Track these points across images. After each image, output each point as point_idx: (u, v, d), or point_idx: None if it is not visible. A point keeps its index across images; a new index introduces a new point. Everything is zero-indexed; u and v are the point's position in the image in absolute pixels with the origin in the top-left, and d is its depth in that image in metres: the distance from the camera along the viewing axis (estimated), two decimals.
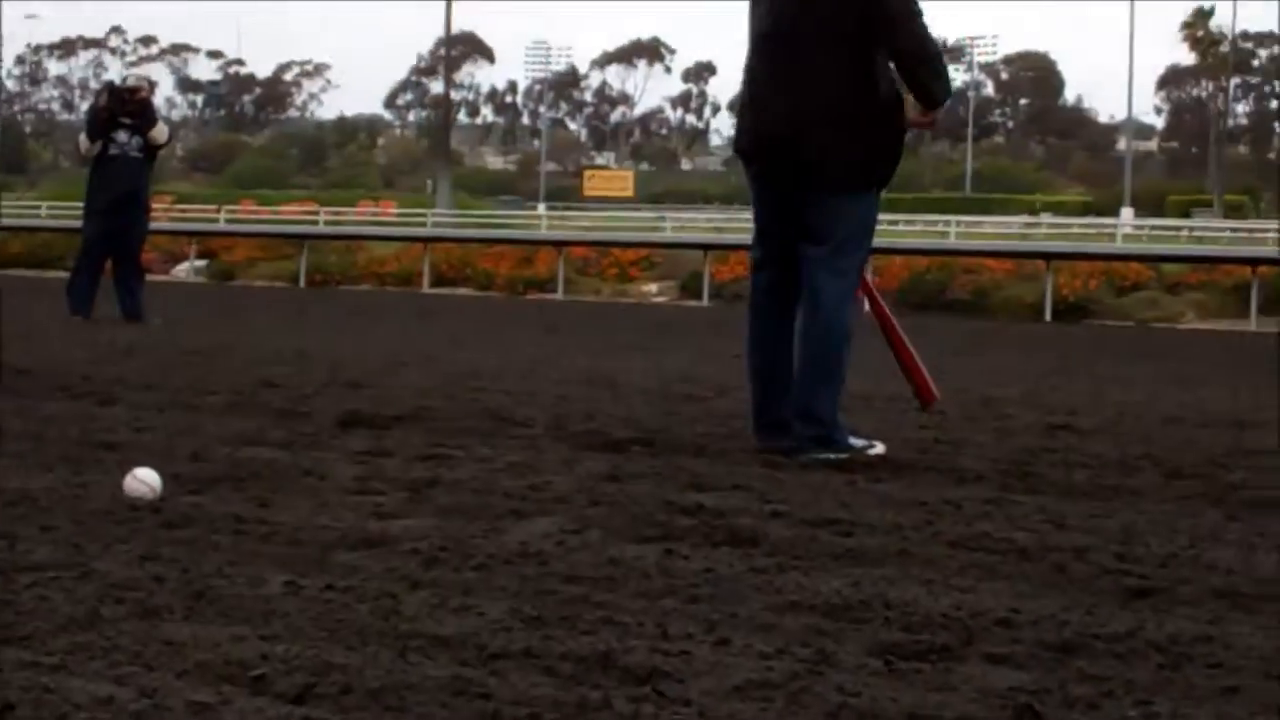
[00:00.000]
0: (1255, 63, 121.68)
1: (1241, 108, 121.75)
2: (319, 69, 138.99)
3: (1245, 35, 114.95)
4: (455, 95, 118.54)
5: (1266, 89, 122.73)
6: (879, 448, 5.50)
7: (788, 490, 4.65)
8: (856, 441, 5.49)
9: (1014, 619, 3.05)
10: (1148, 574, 3.51)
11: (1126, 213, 66.00)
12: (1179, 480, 5.01)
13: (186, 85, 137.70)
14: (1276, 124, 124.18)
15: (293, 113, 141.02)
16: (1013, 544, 3.83)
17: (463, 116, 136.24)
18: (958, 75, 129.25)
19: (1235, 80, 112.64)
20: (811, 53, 5.39)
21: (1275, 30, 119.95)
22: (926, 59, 5.46)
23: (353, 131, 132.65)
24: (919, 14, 5.36)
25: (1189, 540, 3.94)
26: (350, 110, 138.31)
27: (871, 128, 5.41)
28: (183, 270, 25.19)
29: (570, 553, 3.65)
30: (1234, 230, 47.91)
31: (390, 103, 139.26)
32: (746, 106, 5.71)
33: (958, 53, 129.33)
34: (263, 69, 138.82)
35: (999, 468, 5.20)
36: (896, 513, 4.27)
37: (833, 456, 5.33)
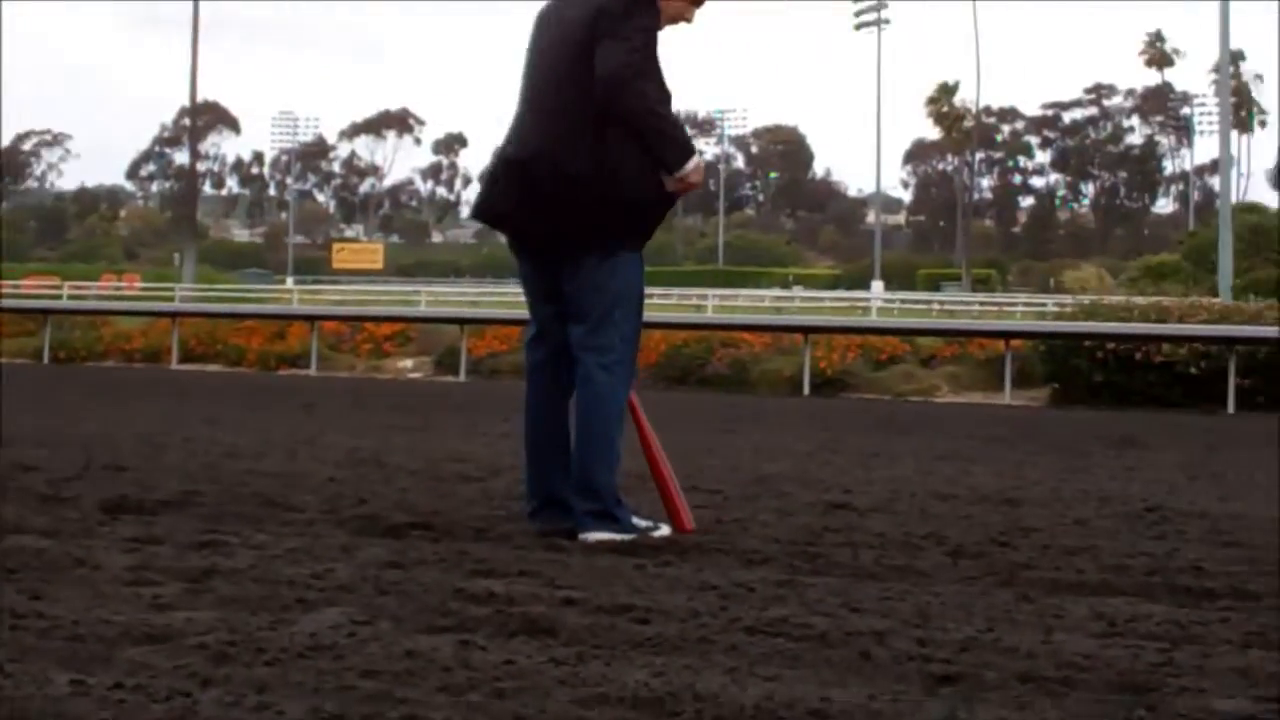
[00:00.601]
0: (998, 137, 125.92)
1: (986, 182, 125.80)
2: (58, 138, 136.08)
3: (989, 110, 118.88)
4: (200, 165, 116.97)
5: (1010, 163, 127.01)
6: (664, 529, 5.47)
7: (576, 575, 4.57)
8: (640, 522, 5.44)
9: (826, 709, 3.01)
10: (950, 658, 3.50)
11: (877, 285, 67.63)
12: (964, 560, 5.04)
13: None
14: (1020, 198, 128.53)
15: (31, 183, 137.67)
16: (811, 629, 3.80)
17: (208, 187, 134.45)
18: (708, 148, 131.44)
19: (980, 155, 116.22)
20: (553, 114, 5.38)
21: (1017, 106, 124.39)
22: (647, 123, 5.30)
23: (94, 202, 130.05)
24: (644, 75, 5.27)
25: (985, 623, 3.94)
26: (91, 180, 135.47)
27: (610, 187, 5.31)
28: None
29: (364, 645, 3.53)
30: (982, 303, 49.27)
31: (133, 173, 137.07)
32: (497, 168, 5.62)
33: (709, 125, 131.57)
34: None
35: (785, 549, 5.19)
36: (690, 597, 4.22)
37: (617, 536, 5.27)
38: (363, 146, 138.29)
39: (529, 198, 5.40)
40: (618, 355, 5.48)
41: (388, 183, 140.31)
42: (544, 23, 5.57)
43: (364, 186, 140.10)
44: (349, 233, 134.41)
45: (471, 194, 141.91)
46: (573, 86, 5.30)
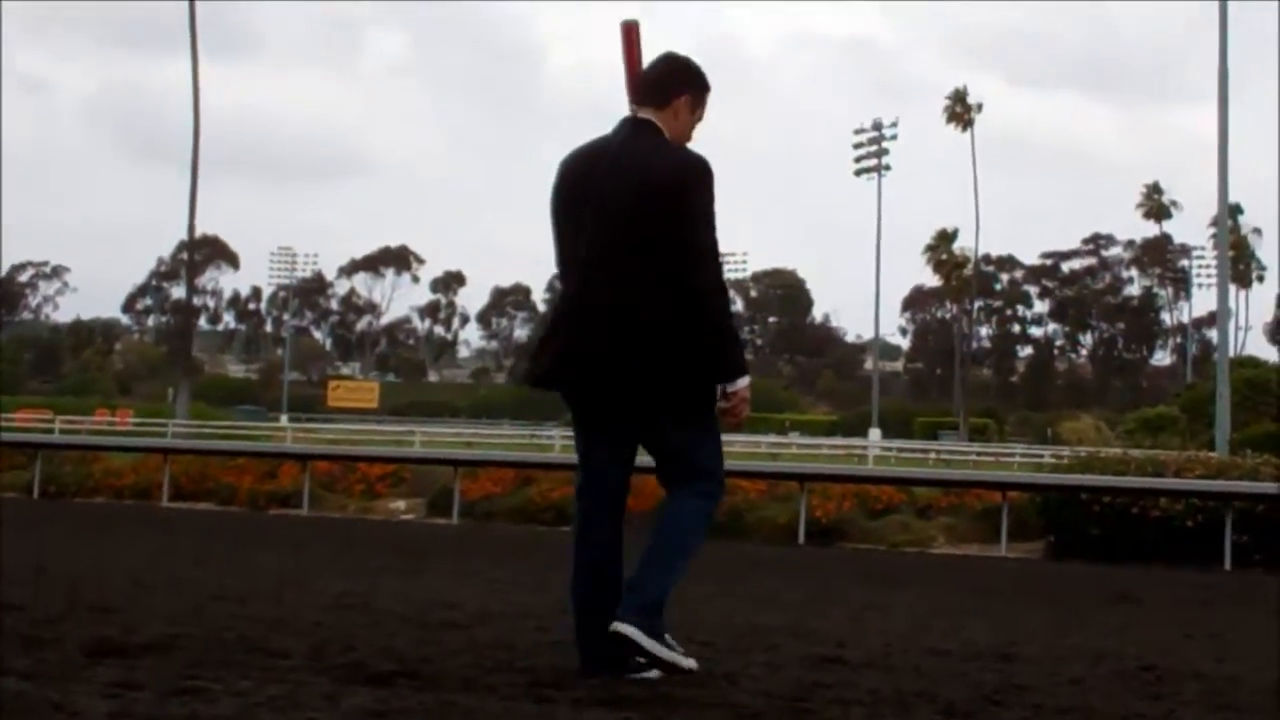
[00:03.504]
0: (997, 286, 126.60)
1: (984, 330, 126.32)
2: (56, 270, 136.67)
3: (988, 259, 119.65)
4: (197, 300, 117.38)
5: (1008, 312, 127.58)
6: (691, 662, 5.48)
7: None
8: (672, 651, 5.40)
9: None
10: None
11: (874, 433, 67.61)
12: None
13: None
14: (1018, 347, 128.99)
15: (26, 315, 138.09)
16: None
17: (204, 322, 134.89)
18: None
19: (978, 303, 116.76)
20: (632, 278, 5.33)
21: (1016, 255, 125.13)
22: (723, 335, 5.37)
23: (89, 335, 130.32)
24: (724, 284, 5.40)
25: None
26: (87, 313, 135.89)
27: (694, 350, 5.32)
28: None
29: None
30: (979, 453, 49.23)
31: (129, 307, 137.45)
32: (559, 332, 5.53)
33: None
34: None
35: (775, 704, 5.10)
36: None
37: (647, 645, 5.27)
38: (361, 283, 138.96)
39: (603, 367, 5.38)
40: (716, 484, 5.57)
41: (385, 320, 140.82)
42: (589, 174, 5.49)
43: (361, 324, 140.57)
44: (345, 370, 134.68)
45: (469, 334, 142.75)
46: (643, 254, 5.31)
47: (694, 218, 5.30)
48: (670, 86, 5.55)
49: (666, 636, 5.41)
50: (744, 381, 5.43)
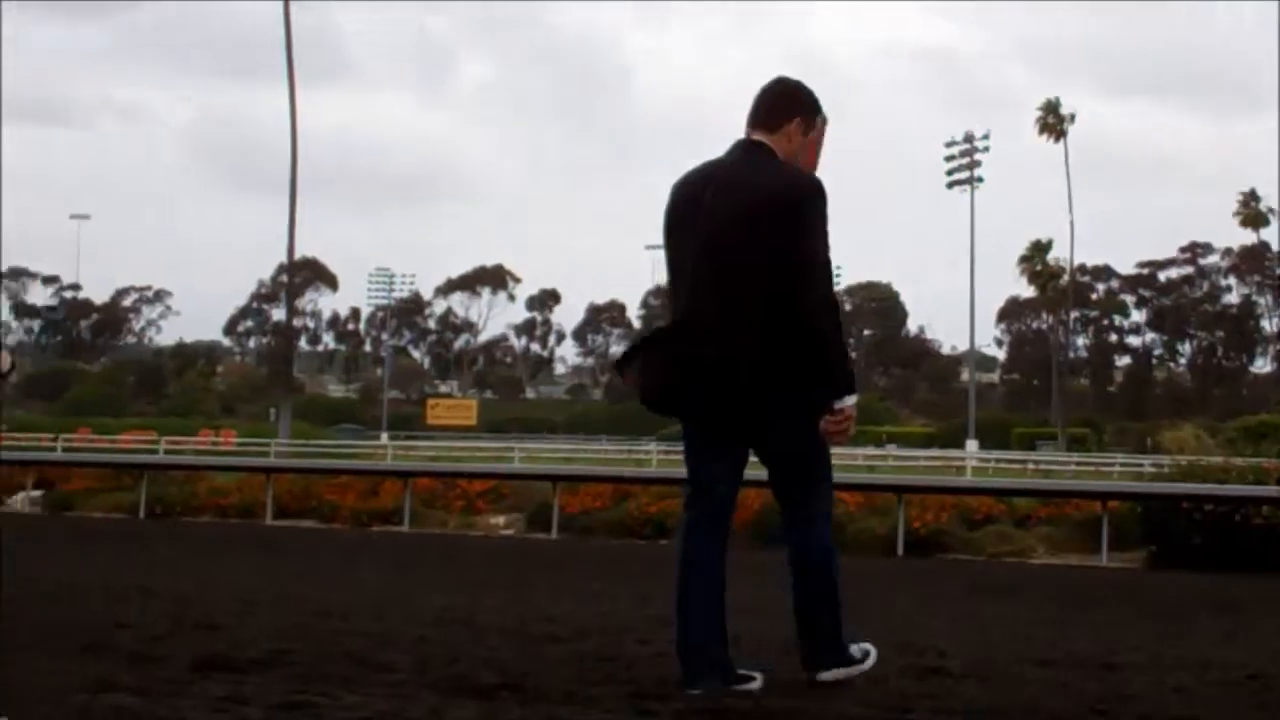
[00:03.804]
0: (1094, 296, 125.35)
1: (1081, 340, 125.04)
2: (159, 295, 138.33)
3: (1083, 269, 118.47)
4: (297, 322, 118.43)
5: (1105, 322, 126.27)
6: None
7: None
8: (866, 657, 5.78)
9: None
10: None
11: (971, 444, 67.08)
12: None
13: (22, 310, 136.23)
14: (1115, 357, 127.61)
15: (130, 339, 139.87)
16: None
17: (304, 343, 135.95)
18: None
19: (1074, 313, 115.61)
20: (742, 294, 5.38)
21: (1112, 265, 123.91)
22: (834, 350, 5.45)
23: (192, 358, 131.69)
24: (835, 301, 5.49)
25: None
26: (189, 336, 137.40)
27: (804, 364, 5.39)
28: (18, 501, 24.56)
29: None
30: (1079, 463, 48.75)
31: (230, 329, 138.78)
32: (670, 347, 5.57)
33: None
34: (100, 294, 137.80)
35: (876, 714, 5.11)
36: None
37: (853, 671, 5.70)
38: (458, 303, 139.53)
39: (714, 380, 5.44)
40: (828, 499, 5.79)
41: (482, 339, 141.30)
42: (700, 194, 5.54)
43: (459, 342, 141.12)
44: (443, 389, 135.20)
45: (565, 350, 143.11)
46: (753, 270, 5.37)
47: (805, 234, 5.36)
48: (781, 110, 5.62)
49: (851, 647, 5.70)
50: (852, 400, 5.50)
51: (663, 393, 5.58)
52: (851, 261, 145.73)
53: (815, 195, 5.44)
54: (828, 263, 5.42)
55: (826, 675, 5.59)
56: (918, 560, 17.38)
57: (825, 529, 5.69)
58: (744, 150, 5.58)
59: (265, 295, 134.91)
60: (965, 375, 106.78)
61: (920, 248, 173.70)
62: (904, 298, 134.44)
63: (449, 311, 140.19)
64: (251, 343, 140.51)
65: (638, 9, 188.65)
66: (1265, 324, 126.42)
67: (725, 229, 5.40)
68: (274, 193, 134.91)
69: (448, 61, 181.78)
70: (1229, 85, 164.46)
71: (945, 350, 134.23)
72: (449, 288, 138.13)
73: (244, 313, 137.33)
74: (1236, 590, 13.08)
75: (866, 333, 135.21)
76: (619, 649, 6.93)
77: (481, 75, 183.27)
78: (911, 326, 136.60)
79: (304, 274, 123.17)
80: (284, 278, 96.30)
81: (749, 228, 5.36)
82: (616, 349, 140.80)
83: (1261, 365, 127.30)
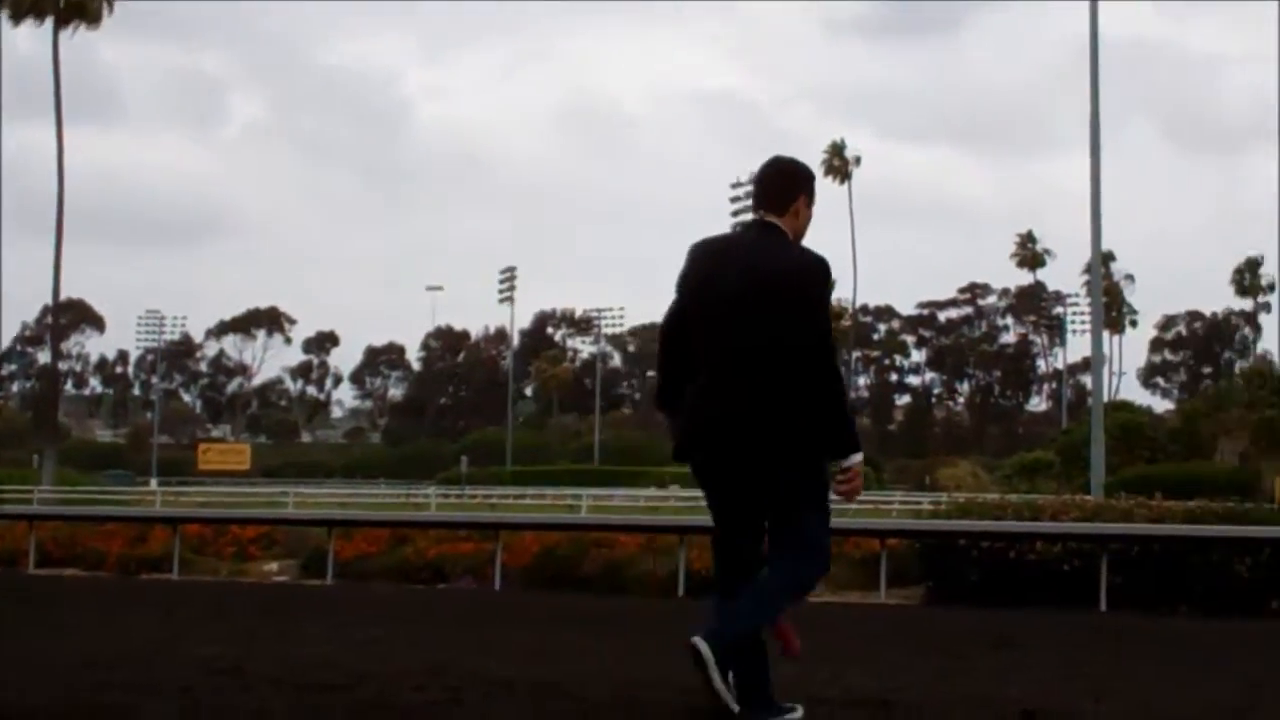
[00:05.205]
0: (875, 336, 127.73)
1: (862, 380, 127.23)
2: None
3: (865, 309, 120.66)
4: (62, 365, 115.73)
5: (886, 361, 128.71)
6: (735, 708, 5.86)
7: None
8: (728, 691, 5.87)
9: None
10: None
11: None
12: None
13: None
14: (896, 396, 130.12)
15: None
16: None
17: (70, 387, 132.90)
18: (585, 347, 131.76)
19: (856, 353, 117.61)
20: (759, 362, 5.87)
21: (893, 305, 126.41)
22: (838, 411, 5.92)
23: None
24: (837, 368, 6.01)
25: None
26: None
27: (813, 427, 5.87)
28: None
29: None
30: (859, 501, 49.28)
31: None
32: (695, 408, 6.04)
33: (585, 324, 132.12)
34: None
35: None
36: None
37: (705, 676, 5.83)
38: (231, 345, 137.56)
39: (733, 439, 5.91)
40: (824, 555, 6.10)
41: (256, 382, 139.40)
42: (721, 268, 6.04)
43: (232, 385, 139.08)
44: (215, 433, 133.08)
45: (342, 394, 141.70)
46: (770, 340, 5.86)
47: (815, 310, 5.95)
48: (787, 193, 6.17)
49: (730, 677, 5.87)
50: (858, 457, 5.96)
51: (689, 441, 6.08)
52: (636, 303, 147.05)
53: (824, 277, 6.03)
54: (830, 334, 6.02)
55: (700, 644, 5.82)
56: (698, 601, 17.33)
57: (795, 569, 6.01)
58: (759, 231, 6.12)
59: (30, 338, 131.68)
60: None
61: None
62: None
63: (221, 354, 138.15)
64: (15, 386, 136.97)
65: (415, 47, 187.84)
66: (1041, 363, 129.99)
67: (745, 303, 5.91)
68: (38, 232, 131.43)
69: (219, 101, 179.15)
70: (1008, 129, 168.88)
71: None
72: (222, 330, 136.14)
73: (7, 355, 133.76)
74: (1012, 625, 13.24)
75: (650, 374, 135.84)
76: (395, 696, 6.76)
77: (254, 115, 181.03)
78: None
79: (70, 316, 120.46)
80: (49, 319, 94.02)
81: (767, 302, 5.88)
82: (395, 391, 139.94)
83: (1037, 403, 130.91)
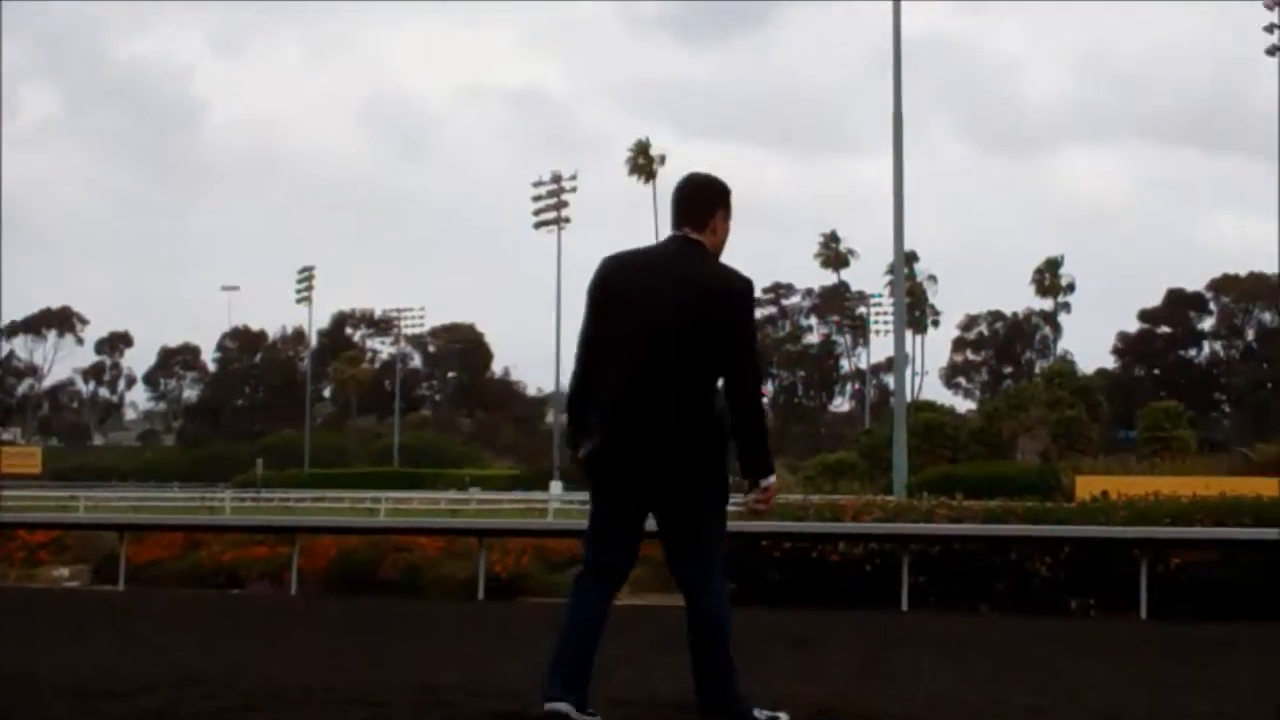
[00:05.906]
0: None
1: None
2: None
3: None
4: None
5: None
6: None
7: None
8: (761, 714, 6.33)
9: None
10: None
11: (556, 486, 67.58)
12: None
13: None
14: None
15: None
16: None
17: None
18: (384, 347, 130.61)
19: None
20: (678, 375, 5.95)
21: None
22: (757, 436, 6.03)
23: None
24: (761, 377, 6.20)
25: None
26: None
27: (719, 448, 6.02)
28: None
29: None
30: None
31: None
32: (605, 419, 6.06)
33: (385, 325, 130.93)
34: None
35: None
36: None
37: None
38: (20, 346, 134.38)
39: (660, 456, 5.96)
40: (722, 569, 6.42)
41: (47, 383, 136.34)
42: (639, 280, 6.08)
43: (21, 388, 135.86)
44: (5, 436, 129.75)
45: (135, 395, 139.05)
46: (690, 356, 5.95)
47: (737, 327, 6.01)
48: (705, 207, 6.20)
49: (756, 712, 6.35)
50: (773, 478, 6.09)
51: (599, 455, 6.05)
52: (435, 303, 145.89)
53: (746, 293, 6.10)
54: (754, 351, 6.13)
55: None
56: (498, 604, 17.20)
57: (722, 605, 6.42)
58: (679, 245, 6.14)
59: None
60: (550, 417, 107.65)
61: (506, 290, 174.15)
62: (489, 339, 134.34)
63: (11, 355, 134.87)
64: None
65: (208, 42, 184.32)
66: (844, 363, 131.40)
67: (666, 319, 5.96)
68: None
69: (9, 95, 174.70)
70: (813, 128, 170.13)
71: (531, 392, 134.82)
72: (11, 330, 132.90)
73: None
74: (813, 625, 13.32)
75: (450, 375, 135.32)
76: (182, 704, 6.55)
77: (45, 110, 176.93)
78: (496, 369, 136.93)
79: None
80: None
81: (689, 319, 5.93)
82: (190, 393, 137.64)
83: (840, 404, 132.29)
